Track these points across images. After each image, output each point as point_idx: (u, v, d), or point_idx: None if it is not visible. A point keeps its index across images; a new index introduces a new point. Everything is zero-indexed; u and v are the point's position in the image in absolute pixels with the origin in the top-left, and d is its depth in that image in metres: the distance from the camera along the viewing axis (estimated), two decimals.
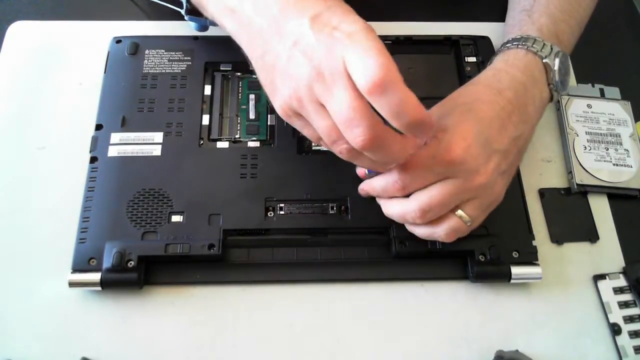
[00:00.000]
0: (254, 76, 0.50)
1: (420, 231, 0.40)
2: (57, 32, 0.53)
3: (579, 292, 0.44)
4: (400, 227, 0.42)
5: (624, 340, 0.42)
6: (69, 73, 0.51)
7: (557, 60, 0.42)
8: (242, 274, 0.43)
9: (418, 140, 0.34)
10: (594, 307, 0.43)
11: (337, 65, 0.31)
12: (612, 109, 0.50)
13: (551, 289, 0.43)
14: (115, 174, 0.44)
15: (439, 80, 0.50)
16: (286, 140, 0.47)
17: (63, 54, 0.52)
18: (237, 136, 0.47)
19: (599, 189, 0.47)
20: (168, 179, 0.44)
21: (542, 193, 0.47)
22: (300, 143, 0.47)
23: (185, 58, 0.50)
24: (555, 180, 0.48)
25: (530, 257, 0.43)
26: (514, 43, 0.43)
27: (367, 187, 0.41)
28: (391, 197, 0.40)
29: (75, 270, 0.41)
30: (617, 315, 0.42)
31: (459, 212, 0.38)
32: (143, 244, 0.42)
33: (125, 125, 0.46)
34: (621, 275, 0.44)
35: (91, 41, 0.52)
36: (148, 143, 0.46)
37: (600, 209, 0.47)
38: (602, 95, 0.51)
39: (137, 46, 0.50)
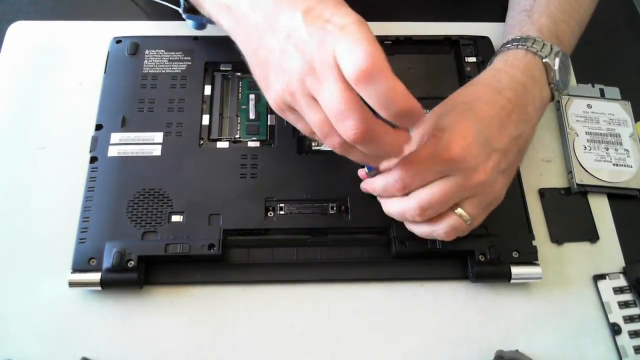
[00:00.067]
0: None
1: (420, 229, 0.40)
2: (57, 32, 0.53)
3: (579, 292, 0.44)
4: (400, 227, 0.42)
5: (624, 340, 0.42)
6: (69, 73, 0.51)
7: (557, 60, 0.42)
8: (242, 274, 0.43)
9: (410, 135, 0.34)
10: (594, 307, 0.43)
11: (327, 57, 0.31)
12: (612, 109, 0.50)
13: (551, 289, 0.43)
14: (115, 174, 0.44)
15: (439, 81, 0.50)
16: (286, 140, 0.47)
17: (63, 54, 0.52)
18: (237, 136, 0.47)
19: (599, 189, 0.47)
20: (168, 179, 0.44)
21: (542, 193, 0.47)
22: (300, 143, 0.47)
23: (185, 58, 0.50)
24: (555, 180, 0.48)
25: (530, 257, 0.43)
26: (514, 43, 0.44)
27: (368, 186, 0.41)
28: (391, 196, 0.40)
29: (75, 270, 0.41)
30: (617, 315, 0.42)
31: (459, 210, 0.38)
32: (143, 244, 0.42)
33: (125, 125, 0.46)
34: (621, 275, 0.44)
35: (91, 41, 0.52)
36: (148, 143, 0.46)
37: (600, 209, 0.47)
38: (602, 95, 0.51)
39: (137, 46, 0.50)
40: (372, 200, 0.42)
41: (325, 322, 0.42)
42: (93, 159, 0.45)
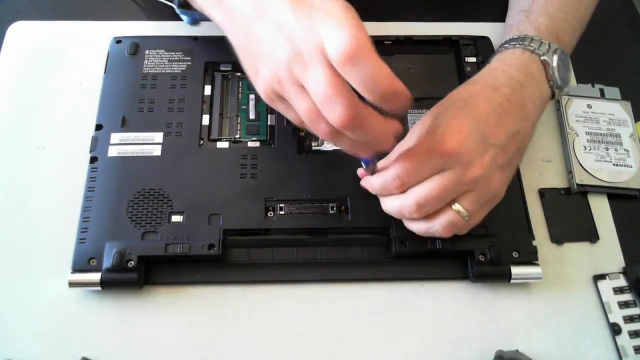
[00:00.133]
0: None
1: (418, 226, 0.40)
2: (57, 32, 0.53)
3: (579, 292, 0.44)
4: (400, 227, 0.42)
5: (624, 340, 0.42)
6: (69, 73, 0.51)
7: (555, 57, 0.42)
8: (242, 274, 0.43)
9: (399, 124, 0.34)
10: (594, 307, 0.43)
11: (313, 43, 0.31)
12: (612, 109, 0.50)
13: (551, 289, 0.43)
14: (115, 174, 0.44)
15: (438, 81, 0.50)
16: (286, 140, 0.47)
17: (63, 54, 0.52)
18: (237, 136, 0.47)
19: (599, 189, 0.47)
20: (168, 179, 0.44)
21: (542, 193, 0.47)
22: (300, 143, 0.47)
23: (185, 58, 0.50)
24: (555, 180, 0.48)
25: (530, 257, 0.43)
26: (512, 43, 0.44)
27: (367, 185, 0.41)
28: (390, 194, 0.40)
29: (75, 270, 0.41)
30: (617, 315, 0.42)
31: (456, 205, 0.38)
32: (143, 244, 0.42)
33: (125, 125, 0.46)
34: (621, 275, 0.44)
35: (91, 41, 0.52)
36: (148, 143, 0.46)
37: (600, 209, 0.47)
38: (602, 95, 0.51)
39: (137, 46, 0.50)
40: (372, 200, 0.42)
41: (325, 322, 0.42)
42: (93, 159, 0.45)
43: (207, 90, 0.49)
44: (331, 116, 0.32)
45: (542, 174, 0.48)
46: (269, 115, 0.48)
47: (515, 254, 0.43)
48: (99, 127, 0.46)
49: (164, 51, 0.50)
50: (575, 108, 0.50)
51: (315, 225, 0.43)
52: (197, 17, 0.48)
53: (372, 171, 0.41)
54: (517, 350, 0.41)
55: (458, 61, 0.52)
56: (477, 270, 0.42)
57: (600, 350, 0.41)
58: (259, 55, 0.35)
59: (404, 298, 0.43)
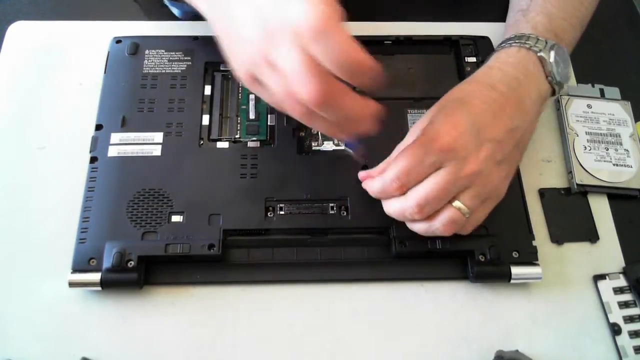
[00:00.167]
0: None
1: (419, 226, 0.40)
2: (57, 32, 0.53)
3: (579, 292, 0.44)
4: (400, 227, 0.42)
5: (624, 340, 0.42)
6: (69, 73, 0.51)
7: (552, 53, 0.42)
8: (242, 274, 0.43)
9: (376, 104, 0.34)
10: (594, 307, 0.43)
11: (284, 21, 0.31)
12: (612, 109, 0.50)
13: (551, 289, 0.43)
14: (115, 174, 0.44)
15: (438, 81, 0.50)
16: (286, 140, 0.47)
17: (63, 54, 0.52)
18: (237, 136, 0.47)
19: (599, 189, 0.47)
20: (168, 179, 0.44)
21: (542, 193, 0.47)
22: (300, 143, 0.47)
23: (185, 58, 0.50)
24: (555, 180, 0.48)
25: (530, 257, 0.43)
26: (508, 42, 0.44)
27: (368, 189, 0.42)
28: (390, 197, 0.40)
29: (75, 270, 0.41)
30: (617, 315, 0.42)
31: (456, 202, 0.38)
32: (143, 244, 0.42)
33: (125, 125, 0.46)
34: (621, 275, 0.44)
35: (91, 41, 0.52)
36: (148, 143, 0.46)
37: (600, 209, 0.47)
38: (602, 95, 0.51)
39: (137, 46, 0.50)
40: (372, 200, 0.42)
41: (325, 322, 0.42)
42: (93, 159, 0.45)
43: (207, 90, 0.49)
44: (303, 93, 0.32)
45: (542, 174, 0.48)
46: (269, 115, 0.48)
47: (515, 254, 0.43)
48: (99, 127, 0.46)
49: (164, 51, 0.50)
50: (575, 108, 0.50)
51: (315, 225, 0.43)
52: (187, 9, 0.48)
53: (359, 156, 0.41)
54: (517, 350, 0.41)
55: (458, 61, 0.52)
56: (477, 270, 0.42)
57: (600, 350, 0.41)
58: (235, 38, 0.35)
59: (404, 298, 0.43)
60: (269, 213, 0.43)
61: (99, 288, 0.41)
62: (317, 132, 0.48)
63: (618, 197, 0.47)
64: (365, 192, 0.42)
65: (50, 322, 0.41)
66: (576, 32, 0.47)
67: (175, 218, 0.43)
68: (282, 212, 0.44)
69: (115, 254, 0.41)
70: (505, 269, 0.42)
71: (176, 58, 0.50)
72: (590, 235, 0.46)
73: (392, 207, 0.40)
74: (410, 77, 0.51)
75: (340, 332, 0.41)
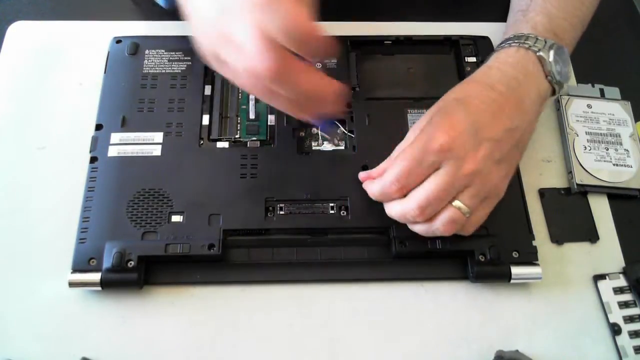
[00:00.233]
0: None
1: (420, 228, 0.40)
2: (57, 32, 0.53)
3: (579, 292, 0.44)
4: (400, 227, 0.42)
5: (624, 340, 0.42)
6: (69, 73, 0.51)
7: (551, 53, 0.42)
8: (242, 274, 0.43)
9: (336, 82, 0.35)
10: (594, 307, 0.43)
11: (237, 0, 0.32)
12: (612, 109, 0.50)
13: (551, 289, 0.43)
14: (115, 174, 0.44)
15: (438, 81, 0.50)
16: (286, 140, 0.47)
17: (63, 54, 0.52)
18: (237, 136, 0.47)
19: (599, 189, 0.47)
20: (168, 179, 0.44)
21: (542, 193, 0.47)
22: (300, 143, 0.47)
23: (185, 58, 0.50)
24: (555, 180, 0.48)
25: (530, 257, 0.43)
26: (507, 42, 0.44)
27: (368, 191, 0.42)
28: (391, 200, 0.40)
29: (75, 270, 0.41)
30: (617, 315, 0.42)
31: (456, 202, 0.38)
32: (143, 244, 0.42)
33: (125, 125, 0.46)
34: (621, 275, 0.44)
35: (91, 41, 0.52)
36: (148, 143, 0.46)
37: (600, 209, 0.47)
38: (602, 95, 0.51)
39: (137, 46, 0.50)
40: (372, 201, 0.42)
41: (325, 322, 0.42)
42: (93, 159, 0.45)
43: (207, 90, 0.49)
44: (257, 67, 0.32)
45: (542, 174, 0.48)
46: (269, 115, 0.48)
47: (515, 254, 0.43)
48: (99, 127, 0.46)
49: (164, 51, 0.50)
50: (575, 108, 0.50)
51: (315, 225, 0.43)
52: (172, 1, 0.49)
53: (334, 138, 0.41)
54: (517, 350, 0.41)
55: (458, 61, 0.52)
56: (477, 270, 0.42)
57: (600, 350, 0.41)
58: (198, 20, 0.36)
59: (404, 298, 0.43)
60: (269, 213, 0.43)
61: (99, 288, 0.41)
62: (317, 132, 0.48)
63: (618, 197, 0.47)
64: (365, 192, 0.42)
65: (50, 322, 0.41)
66: (576, 31, 0.47)
67: (175, 218, 0.43)
68: (282, 212, 0.43)
69: (115, 254, 0.41)
70: (505, 269, 0.42)
71: (176, 58, 0.50)
72: (590, 235, 0.46)
73: (394, 210, 0.40)
74: (410, 77, 0.51)
75: (340, 332, 0.41)
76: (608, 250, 0.45)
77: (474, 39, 0.52)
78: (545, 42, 0.43)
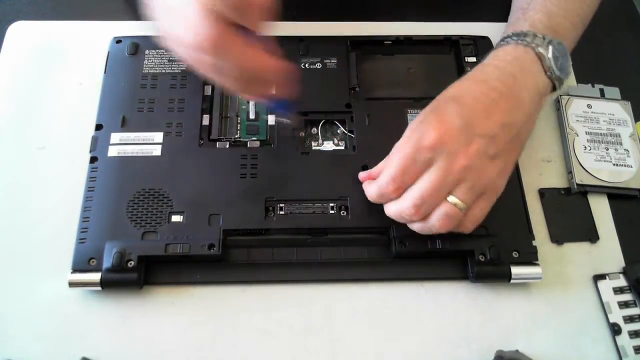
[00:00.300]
0: None
1: (418, 226, 0.40)
2: (57, 32, 0.53)
3: (579, 292, 0.44)
4: (400, 227, 0.42)
5: (624, 340, 0.42)
6: (69, 73, 0.51)
7: (550, 48, 0.42)
8: (242, 274, 0.43)
9: (276, 60, 0.36)
10: (594, 307, 0.43)
11: None
12: (612, 109, 0.50)
13: (551, 289, 0.43)
14: (115, 174, 0.44)
15: (438, 81, 0.50)
16: (286, 140, 0.47)
17: (63, 54, 0.52)
18: (237, 136, 0.47)
19: (599, 189, 0.47)
20: (168, 179, 0.44)
21: (542, 193, 0.47)
22: (300, 143, 0.47)
23: None
24: (555, 180, 0.48)
25: (530, 257, 0.43)
26: (505, 40, 0.44)
27: (367, 195, 0.42)
28: (389, 200, 0.40)
29: (75, 270, 0.41)
30: (617, 315, 0.42)
31: (451, 197, 0.38)
32: (143, 244, 0.42)
33: (125, 125, 0.46)
34: (621, 275, 0.44)
35: (91, 41, 0.52)
36: (148, 143, 0.46)
37: (600, 209, 0.47)
38: (602, 95, 0.51)
39: (137, 46, 0.50)
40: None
41: (325, 322, 0.42)
42: (93, 159, 0.45)
43: (207, 90, 0.49)
44: (198, 38, 0.33)
45: (542, 174, 0.48)
46: (269, 116, 0.48)
47: (515, 254, 0.43)
48: (99, 127, 0.46)
49: (164, 51, 0.50)
50: (575, 108, 0.50)
51: (315, 225, 0.43)
52: None
53: (293, 122, 0.43)
54: (517, 350, 0.41)
55: (458, 61, 0.52)
56: (477, 270, 0.42)
57: (600, 350, 0.41)
58: (155, 3, 0.37)
59: (404, 298, 0.43)
60: (269, 213, 0.43)
61: (99, 288, 0.41)
62: (317, 132, 0.48)
63: (618, 197, 0.47)
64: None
65: (50, 322, 0.41)
66: (577, 30, 0.47)
67: (175, 218, 0.43)
68: (282, 212, 0.44)
69: (115, 254, 0.41)
70: (505, 269, 0.42)
71: (176, 58, 0.50)
72: (590, 235, 0.46)
73: (391, 210, 0.40)
74: (410, 77, 0.51)
75: (340, 332, 0.41)
76: (608, 250, 0.45)
77: (474, 39, 0.52)
78: (544, 38, 0.42)
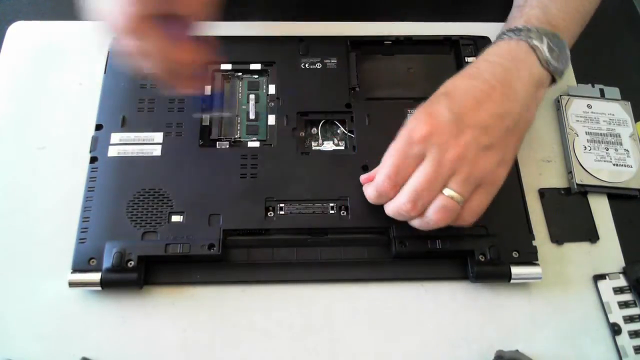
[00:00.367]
0: (254, 76, 0.50)
1: (416, 222, 0.40)
2: (57, 32, 0.53)
3: (579, 292, 0.44)
4: (400, 227, 0.42)
5: (624, 340, 0.42)
6: (69, 73, 0.51)
7: (545, 39, 0.42)
8: (242, 274, 0.43)
9: (192, 53, 0.38)
10: (594, 307, 0.43)
11: None
12: (612, 109, 0.50)
13: (551, 289, 0.43)
14: (115, 174, 0.44)
15: (439, 81, 0.50)
16: (286, 140, 0.47)
17: (63, 54, 0.52)
18: (237, 136, 0.47)
19: (599, 189, 0.47)
20: (168, 179, 0.44)
21: (542, 193, 0.47)
22: (300, 143, 0.47)
23: None
24: (555, 180, 0.48)
25: (530, 257, 0.43)
26: (500, 36, 0.44)
27: (367, 197, 0.42)
28: (388, 199, 0.40)
29: (75, 270, 0.41)
30: (617, 315, 0.42)
31: (445, 189, 0.38)
32: (143, 244, 0.42)
33: (125, 125, 0.46)
34: (621, 275, 0.44)
35: (91, 41, 0.52)
36: (148, 143, 0.46)
37: (600, 209, 0.47)
38: (602, 95, 0.51)
39: None
40: None
41: (325, 322, 0.42)
42: (93, 159, 0.45)
43: (207, 90, 0.49)
44: (112, 20, 0.36)
45: (542, 174, 0.48)
46: (269, 115, 0.48)
47: (515, 254, 0.43)
48: (99, 127, 0.46)
49: None
50: (575, 108, 0.50)
51: (315, 225, 0.43)
52: None
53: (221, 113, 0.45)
54: (517, 350, 0.41)
55: (458, 61, 0.52)
56: (477, 270, 0.42)
57: (600, 350, 0.41)
58: None
59: (404, 298, 0.43)
60: (269, 213, 0.43)
61: (99, 288, 0.41)
62: (317, 132, 0.48)
63: (618, 197, 0.47)
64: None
65: (50, 322, 0.41)
66: (577, 24, 0.47)
67: (175, 218, 0.43)
68: (282, 212, 0.43)
69: (115, 254, 0.41)
70: (505, 269, 0.42)
71: None
72: (590, 235, 0.46)
73: (390, 208, 0.40)
74: (410, 77, 0.51)
75: (340, 332, 0.41)
76: (608, 250, 0.45)
77: (474, 39, 0.52)
78: (538, 31, 0.42)
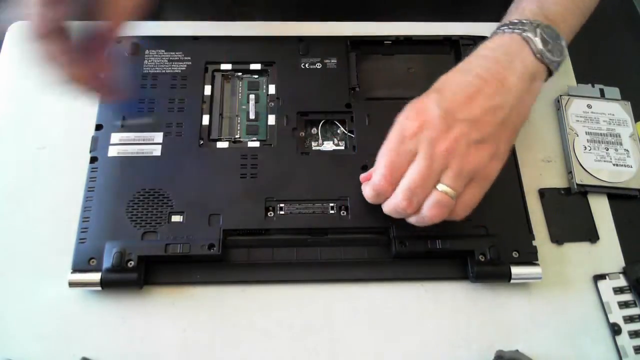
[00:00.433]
0: (254, 76, 0.50)
1: (413, 219, 0.40)
2: None
3: (579, 292, 0.44)
4: (400, 227, 0.42)
5: (624, 340, 0.42)
6: None
7: (538, 31, 0.42)
8: (242, 274, 0.43)
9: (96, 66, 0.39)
10: (594, 307, 0.43)
11: None
12: (612, 109, 0.50)
13: (551, 289, 0.43)
14: (115, 174, 0.44)
15: None
16: (286, 140, 0.47)
17: None
18: (237, 136, 0.47)
19: (599, 189, 0.47)
20: (168, 179, 0.44)
21: (542, 193, 0.47)
22: (300, 143, 0.47)
23: (185, 58, 0.50)
24: (555, 180, 0.48)
25: (530, 257, 0.43)
26: (495, 31, 0.44)
27: (365, 197, 0.42)
28: (385, 198, 0.40)
29: (75, 270, 0.41)
30: (617, 315, 0.42)
31: (439, 185, 0.38)
32: (143, 244, 0.42)
33: (125, 125, 0.46)
34: (621, 275, 0.44)
35: None
36: (148, 143, 0.46)
37: (600, 209, 0.47)
38: (602, 95, 0.51)
39: (137, 46, 0.50)
40: None
41: (325, 322, 0.42)
42: (93, 159, 0.45)
43: (207, 90, 0.49)
44: (28, 24, 0.36)
45: (542, 174, 0.48)
46: (269, 115, 0.48)
47: (515, 254, 0.43)
48: (99, 127, 0.46)
49: (164, 51, 0.50)
50: (575, 108, 0.50)
51: (315, 225, 0.43)
52: None
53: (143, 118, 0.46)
54: (517, 350, 0.41)
55: (458, 61, 0.51)
56: (477, 270, 0.42)
57: (600, 350, 0.41)
58: None
59: (404, 298, 0.43)
60: (269, 213, 0.43)
61: (99, 288, 0.41)
62: (317, 132, 0.48)
63: (618, 197, 0.47)
64: None
65: (50, 322, 0.41)
66: (575, 17, 0.46)
67: (175, 218, 0.43)
68: (282, 212, 0.43)
69: (115, 254, 0.41)
70: (505, 269, 0.42)
71: (176, 58, 0.50)
72: (590, 235, 0.46)
73: (387, 207, 0.40)
74: (410, 77, 0.51)
75: (340, 332, 0.41)
76: (608, 250, 0.45)
77: (474, 39, 0.52)
78: (532, 23, 0.42)
